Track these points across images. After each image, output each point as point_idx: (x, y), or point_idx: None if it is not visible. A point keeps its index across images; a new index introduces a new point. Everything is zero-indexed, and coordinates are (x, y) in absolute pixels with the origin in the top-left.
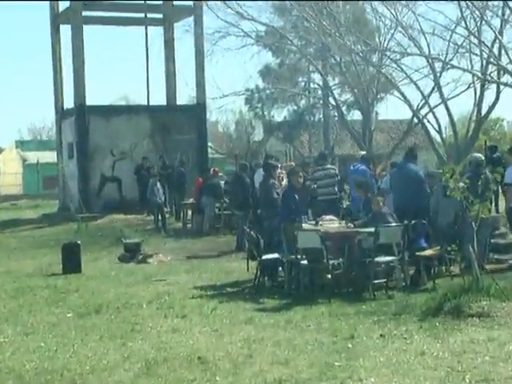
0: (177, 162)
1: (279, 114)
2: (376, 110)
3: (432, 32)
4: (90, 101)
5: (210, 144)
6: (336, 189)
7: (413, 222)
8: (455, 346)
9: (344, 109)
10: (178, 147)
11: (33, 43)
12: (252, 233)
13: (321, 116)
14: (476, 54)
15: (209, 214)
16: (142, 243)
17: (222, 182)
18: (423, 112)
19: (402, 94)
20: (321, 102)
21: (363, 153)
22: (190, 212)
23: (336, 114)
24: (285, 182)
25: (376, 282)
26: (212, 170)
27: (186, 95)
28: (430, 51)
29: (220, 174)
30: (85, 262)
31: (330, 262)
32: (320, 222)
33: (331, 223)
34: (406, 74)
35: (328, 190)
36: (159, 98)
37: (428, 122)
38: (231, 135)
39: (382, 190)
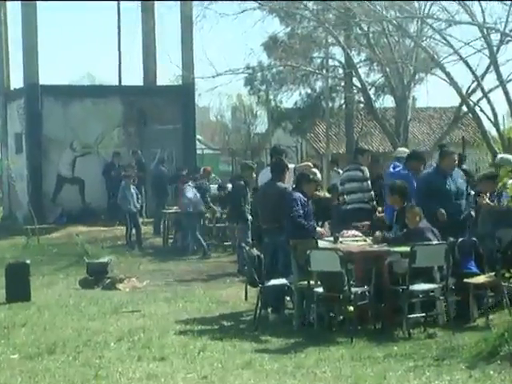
0: (156, 160)
1: (288, 99)
2: (413, 94)
3: None
4: (45, 80)
5: (198, 136)
6: (365, 195)
7: (460, 239)
8: None
9: (372, 93)
10: (157, 140)
11: None
12: (252, 251)
13: (342, 102)
14: None
15: (196, 227)
16: (109, 264)
17: (215, 186)
18: (475, 98)
19: (448, 74)
20: (342, 83)
21: (405, 150)
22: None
23: (362, 99)
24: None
25: (412, 316)
26: (202, 169)
27: (167, 76)
28: (484, 19)
29: (213, 175)
30: (35, 288)
31: (353, 290)
32: (340, 239)
33: (354, 240)
34: (453, 48)
35: (357, 197)
36: (134, 79)
37: (481, 110)
38: (226, 125)
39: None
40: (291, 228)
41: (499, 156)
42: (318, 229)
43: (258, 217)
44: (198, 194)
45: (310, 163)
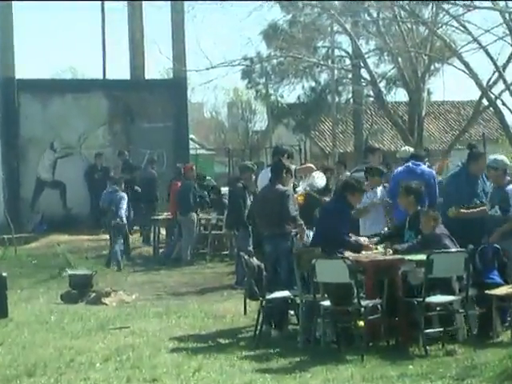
0: (145, 161)
1: (290, 94)
2: (428, 87)
3: None
4: (22, 75)
5: (192, 135)
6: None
7: (482, 246)
8: None
9: (382, 86)
10: (146, 140)
11: None
12: (252, 261)
13: (349, 96)
14: None
15: (190, 235)
16: (94, 276)
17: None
18: (496, 90)
19: (466, 64)
20: (349, 75)
21: (410, 149)
22: (163, 231)
23: (371, 92)
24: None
25: (428, 331)
26: (182, 166)
27: (157, 69)
28: (506, 4)
29: (208, 178)
30: (13, 303)
31: (363, 303)
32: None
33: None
34: (472, 35)
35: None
36: (120, 73)
37: (503, 103)
38: (222, 123)
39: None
40: (334, 246)
41: (492, 157)
42: (364, 240)
43: (255, 222)
44: None
45: (311, 165)
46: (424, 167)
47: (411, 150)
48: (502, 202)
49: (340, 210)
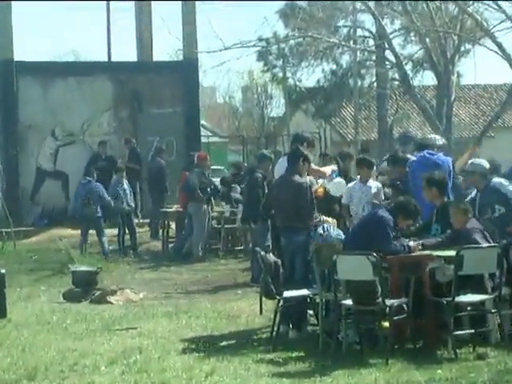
0: (153, 150)
1: (310, 77)
2: (458, 70)
3: None
4: (22, 57)
5: (203, 122)
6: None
7: None
8: None
9: (409, 68)
10: (155, 126)
11: None
12: (268, 257)
13: (373, 79)
14: None
15: (201, 229)
16: (99, 272)
17: (218, 180)
18: None
19: (499, 45)
20: (373, 57)
21: (437, 138)
22: (173, 225)
23: (396, 75)
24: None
25: (458, 333)
26: (196, 154)
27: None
28: None
29: (212, 166)
30: (12, 302)
31: (388, 302)
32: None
33: None
34: (506, 14)
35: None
36: (127, 56)
37: None
38: (236, 109)
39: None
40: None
41: (469, 161)
42: (411, 243)
43: (270, 214)
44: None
45: (326, 170)
46: (441, 156)
47: (438, 138)
48: (498, 202)
49: (389, 219)
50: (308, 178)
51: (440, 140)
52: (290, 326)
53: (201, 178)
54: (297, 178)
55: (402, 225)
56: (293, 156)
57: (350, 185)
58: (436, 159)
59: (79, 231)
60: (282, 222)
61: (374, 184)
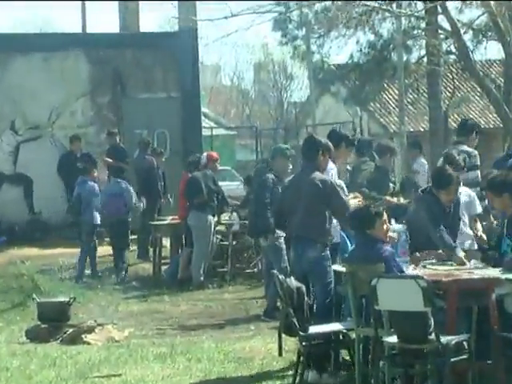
0: (139, 145)
1: (341, 51)
2: None
3: None
4: None
5: (205, 109)
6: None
7: None
8: None
9: (468, 39)
10: (143, 116)
11: None
12: (289, 281)
13: (423, 53)
14: None
15: (204, 246)
16: (72, 304)
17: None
18: None
19: None
20: (423, 24)
21: None
22: (167, 242)
23: (452, 48)
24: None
25: None
26: (205, 155)
27: (156, 23)
28: None
29: (219, 167)
30: None
31: (443, 339)
32: (422, 262)
33: (442, 262)
34: None
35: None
36: (107, 27)
37: None
38: (247, 92)
39: None
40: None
41: None
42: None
43: (281, 224)
44: None
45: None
46: None
47: None
48: None
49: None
50: (332, 171)
51: None
52: (318, 370)
53: (208, 183)
54: (317, 175)
55: (444, 201)
56: (308, 147)
57: None
58: None
59: (48, 251)
60: (295, 229)
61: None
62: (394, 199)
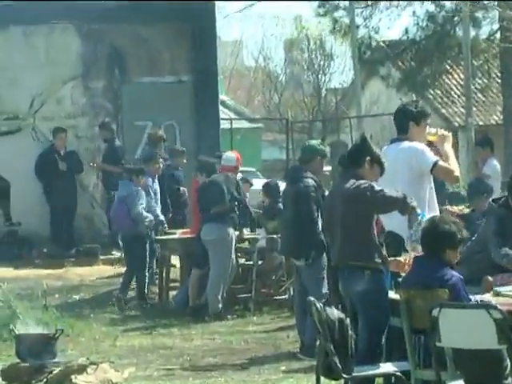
0: (144, 140)
1: (392, 26)
2: None
3: None
4: None
5: (223, 97)
6: None
7: None
8: None
9: None
10: (146, 105)
11: None
12: (329, 311)
13: (495, 28)
14: None
15: (222, 267)
16: (58, 337)
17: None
18: None
19: None
20: None
21: None
22: (177, 262)
23: None
24: None
25: None
26: (233, 156)
27: None
28: None
29: (240, 168)
30: None
31: None
32: (495, 288)
33: None
34: None
35: None
36: None
37: None
38: (276, 76)
39: None
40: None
41: None
42: None
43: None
44: None
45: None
46: None
47: None
48: None
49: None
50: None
51: None
52: None
53: (231, 189)
54: (361, 183)
55: None
56: (355, 152)
57: None
58: None
59: (29, 271)
60: (336, 255)
61: None
62: (455, 208)
